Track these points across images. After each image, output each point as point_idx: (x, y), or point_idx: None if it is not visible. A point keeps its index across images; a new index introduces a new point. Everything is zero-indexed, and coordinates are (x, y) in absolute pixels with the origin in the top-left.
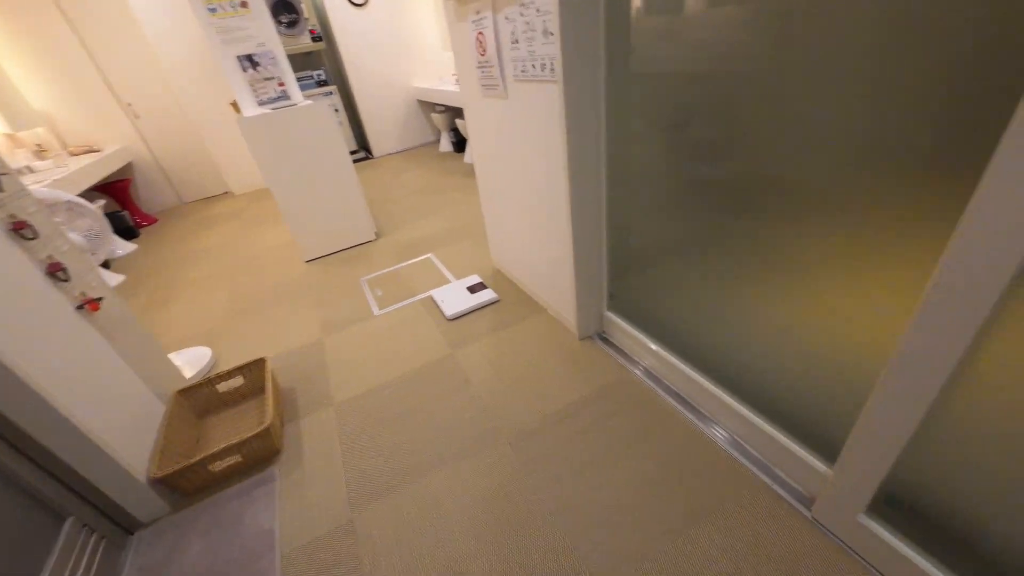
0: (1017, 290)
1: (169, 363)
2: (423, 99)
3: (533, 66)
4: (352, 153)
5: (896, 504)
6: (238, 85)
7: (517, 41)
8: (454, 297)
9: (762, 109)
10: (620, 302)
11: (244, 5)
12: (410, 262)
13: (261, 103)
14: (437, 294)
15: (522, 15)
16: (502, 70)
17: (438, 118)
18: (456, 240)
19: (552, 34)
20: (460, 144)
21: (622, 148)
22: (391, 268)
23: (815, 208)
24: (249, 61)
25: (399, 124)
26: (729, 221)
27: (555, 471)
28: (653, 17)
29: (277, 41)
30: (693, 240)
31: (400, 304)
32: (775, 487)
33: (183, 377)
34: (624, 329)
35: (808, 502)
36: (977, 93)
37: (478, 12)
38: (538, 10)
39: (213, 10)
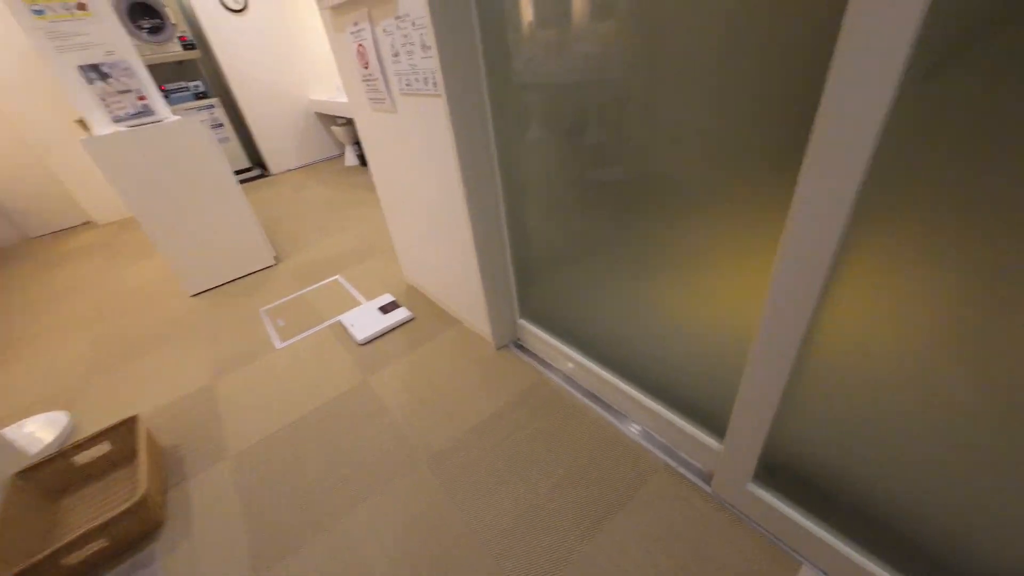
0: (839, 270)
1: (1, 440)
2: (321, 111)
3: (416, 80)
4: (244, 171)
5: (776, 469)
6: (84, 100)
7: (398, 54)
8: (365, 320)
9: (642, 115)
10: (531, 308)
11: (82, 7)
12: (316, 286)
13: (118, 120)
14: (347, 318)
15: (399, 28)
16: (387, 84)
17: (339, 131)
18: (366, 258)
19: (430, 48)
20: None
21: (515, 157)
22: (294, 294)
23: (693, 204)
24: (96, 72)
25: (297, 138)
26: (621, 221)
27: (476, 488)
28: (530, 31)
29: (131, 49)
30: (590, 241)
31: (306, 333)
32: (680, 469)
33: (26, 454)
34: (537, 335)
35: (708, 478)
36: (805, 99)
37: (356, 24)
38: (414, 23)
39: (40, 12)
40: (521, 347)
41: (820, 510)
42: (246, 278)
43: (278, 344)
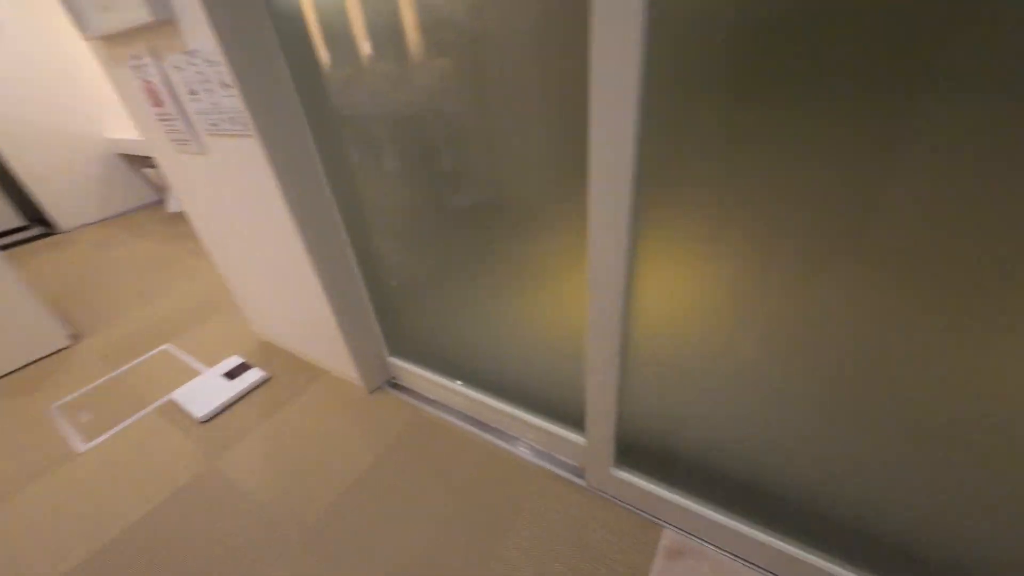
0: (634, 268)
1: None
2: (126, 152)
3: (223, 120)
4: (14, 231)
5: (630, 451)
6: None
7: (196, 92)
8: (206, 391)
9: (471, 145)
10: (400, 343)
11: None
12: (136, 362)
13: None
14: (181, 394)
15: (192, 64)
16: (190, 124)
17: (154, 173)
18: (202, 319)
19: (230, 86)
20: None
21: (353, 192)
22: (104, 378)
23: (525, 223)
24: None
25: (97, 185)
26: (468, 245)
27: (360, 551)
28: (345, 64)
29: None
30: (443, 268)
31: (123, 424)
32: (558, 471)
33: None
34: (409, 370)
35: (582, 473)
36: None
37: (137, 58)
38: (207, 60)
39: None
40: (396, 385)
41: (670, 478)
42: (26, 369)
43: (81, 447)
